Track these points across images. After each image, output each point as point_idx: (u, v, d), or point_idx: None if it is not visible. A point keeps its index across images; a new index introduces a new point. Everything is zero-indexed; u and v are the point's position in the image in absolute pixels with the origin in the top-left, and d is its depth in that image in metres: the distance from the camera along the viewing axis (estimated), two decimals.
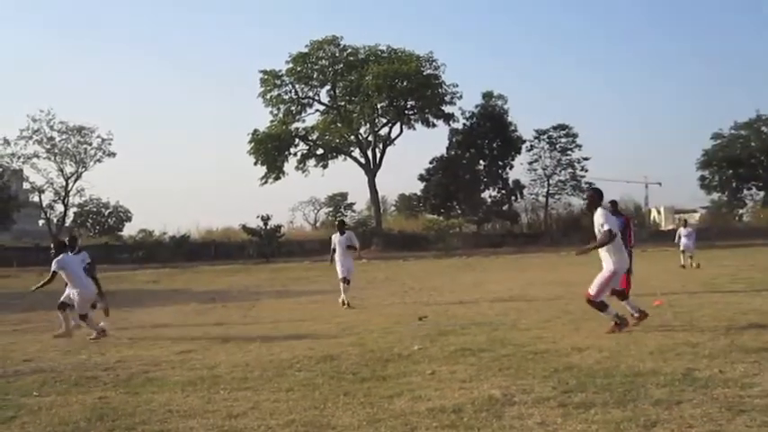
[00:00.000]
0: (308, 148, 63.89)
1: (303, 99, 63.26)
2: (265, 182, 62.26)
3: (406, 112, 62.60)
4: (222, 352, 8.91)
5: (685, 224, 28.02)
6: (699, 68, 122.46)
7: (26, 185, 61.74)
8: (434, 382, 6.39)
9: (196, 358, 8.46)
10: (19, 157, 54.99)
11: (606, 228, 9.08)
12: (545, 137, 65.24)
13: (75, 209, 65.49)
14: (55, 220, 59.75)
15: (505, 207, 64.75)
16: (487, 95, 64.13)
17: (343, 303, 14.71)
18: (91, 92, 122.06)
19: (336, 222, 17.11)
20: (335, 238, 15.70)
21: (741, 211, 73.13)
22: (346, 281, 15.14)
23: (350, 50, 62.20)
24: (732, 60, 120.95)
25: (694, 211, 75.95)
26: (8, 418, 5.60)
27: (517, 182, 64.65)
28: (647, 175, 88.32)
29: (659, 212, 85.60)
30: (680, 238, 26.37)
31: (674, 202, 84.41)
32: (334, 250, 15.64)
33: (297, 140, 63.20)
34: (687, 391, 5.52)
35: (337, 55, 61.88)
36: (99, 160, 56.58)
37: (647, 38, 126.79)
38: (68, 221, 64.66)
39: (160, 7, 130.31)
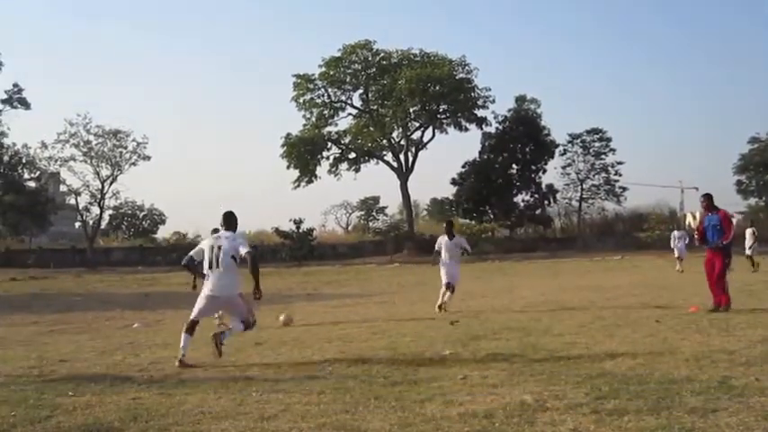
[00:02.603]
0: (340, 151, 64.08)
1: (336, 103, 63.46)
2: (298, 185, 62.52)
3: (439, 116, 62.50)
4: (254, 354, 8.95)
5: (678, 227, 27.93)
6: (736, 71, 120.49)
7: (63, 188, 62.76)
8: (466, 386, 6.37)
9: (228, 360, 8.51)
10: (56, 160, 55.92)
11: None
12: (578, 141, 64.81)
13: (110, 211, 66.37)
14: (91, 222, 60.56)
15: (538, 211, 64.27)
16: (520, 99, 63.82)
17: (440, 308, 13.81)
18: (133, 96, 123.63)
19: (445, 223, 15.67)
20: (442, 240, 14.59)
21: None
22: (450, 286, 14.17)
23: (382, 54, 62.26)
24: None
25: (732, 217, 74.76)
26: (44, 418, 5.67)
27: (550, 186, 64.20)
28: (683, 179, 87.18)
29: (695, 217, 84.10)
30: (675, 240, 26.28)
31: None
32: (438, 253, 14.57)
33: (329, 144, 63.41)
34: (723, 400, 5.44)
35: (370, 59, 61.97)
36: (134, 163, 57.33)
37: (683, 43, 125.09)
38: (104, 224, 65.55)
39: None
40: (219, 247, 8.57)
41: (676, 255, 26.36)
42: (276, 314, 15.14)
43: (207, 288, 8.63)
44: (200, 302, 8.66)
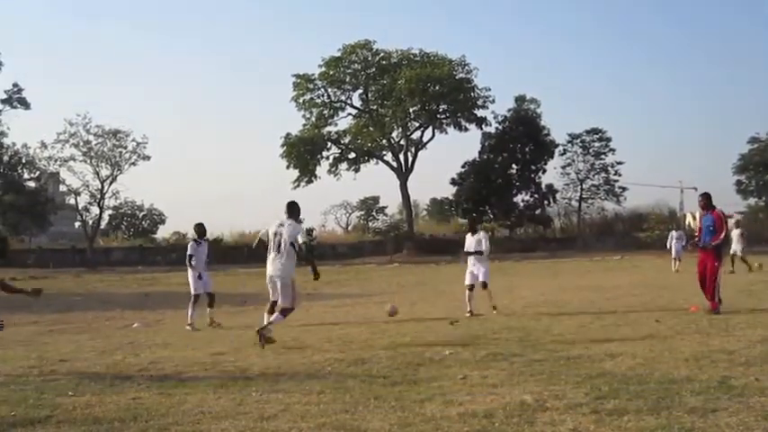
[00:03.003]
0: (340, 151, 64.10)
1: (335, 103, 63.47)
2: (297, 185, 62.53)
3: (439, 116, 62.51)
4: (254, 354, 8.95)
5: (678, 227, 27.95)
6: (736, 71, 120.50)
7: (62, 188, 62.74)
8: (466, 386, 6.37)
9: (228, 360, 8.51)
10: (56, 160, 55.89)
11: None
12: (578, 141, 64.80)
13: (110, 211, 66.38)
14: (90, 222, 60.56)
15: (538, 211, 64.24)
16: (520, 99, 63.80)
17: (471, 313, 13.14)
18: (133, 96, 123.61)
19: (467, 219, 15.06)
20: (468, 237, 13.92)
21: None
22: (472, 288, 13.54)
23: (382, 54, 62.26)
24: None
25: (730, 217, 74.76)
26: (44, 418, 5.67)
27: (550, 186, 64.17)
28: (682, 179, 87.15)
29: (694, 218, 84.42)
30: (673, 240, 26.32)
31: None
32: (468, 252, 13.87)
33: (329, 144, 63.42)
34: (722, 400, 5.44)
35: (370, 59, 61.97)
36: (134, 163, 57.32)
37: (683, 43, 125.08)
38: (104, 224, 65.56)
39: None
40: (281, 234, 9.63)
41: (673, 255, 26.42)
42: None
43: (267, 270, 9.79)
44: (268, 285, 9.97)
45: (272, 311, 9.93)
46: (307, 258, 9.71)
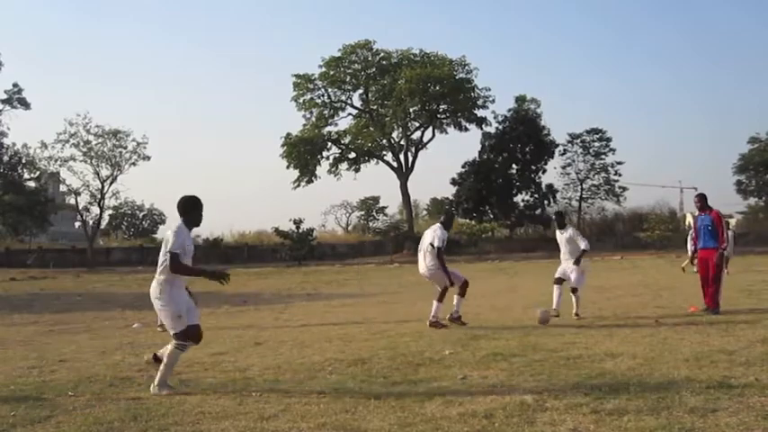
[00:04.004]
0: (340, 151, 64.10)
1: (336, 103, 63.49)
2: (298, 185, 62.51)
3: (439, 116, 62.52)
4: (254, 354, 8.96)
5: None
6: (736, 71, 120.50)
7: (63, 188, 62.65)
8: (466, 386, 6.37)
9: (228, 360, 8.52)
10: (56, 160, 55.82)
11: None
12: (578, 141, 64.77)
13: (110, 211, 66.38)
14: (90, 222, 60.53)
15: (538, 211, 64.14)
16: (520, 99, 63.73)
17: (577, 315, 11.78)
18: (132, 96, 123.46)
19: (554, 215, 13.50)
20: (557, 234, 12.79)
21: None
22: (560, 281, 12.39)
23: (382, 54, 62.30)
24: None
25: (730, 217, 74.73)
26: (44, 418, 5.67)
27: (550, 186, 64.11)
28: (682, 179, 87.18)
29: (694, 217, 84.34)
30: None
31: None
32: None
33: (329, 144, 63.42)
34: (722, 400, 5.44)
35: (370, 59, 62.00)
36: (134, 163, 57.26)
37: (683, 43, 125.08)
38: (104, 224, 65.51)
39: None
40: (425, 237, 11.42)
41: (690, 253, 25.84)
42: (276, 314, 15.16)
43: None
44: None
45: (441, 299, 11.12)
46: (438, 258, 11.09)
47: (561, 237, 12.49)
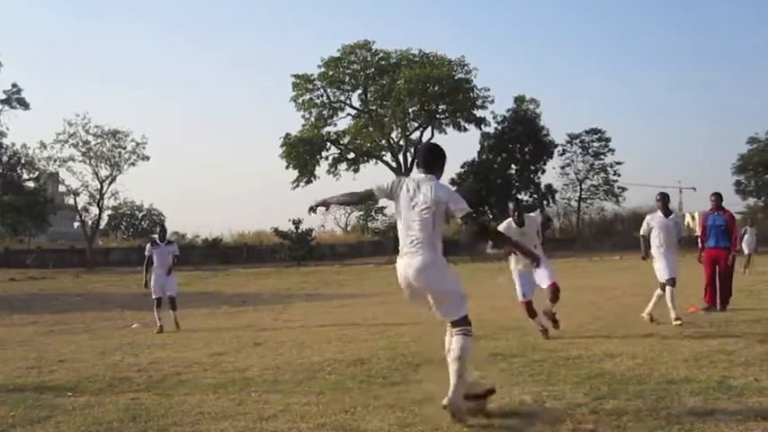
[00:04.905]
0: (339, 152, 64.06)
1: (335, 103, 63.43)
2: (297, 186, 62.43)
3: (438, 116, 62.49)
4: (254, 355, 8.96)
5: (751, 223, 27.25)
6: (736, 71, 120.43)
7: (62, 188, 62.64)
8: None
9: (228, 361, 8.52)
10: (55, 161, 55.82)
11: None
12: (577, 141, 64.79)
13: (109, 211, 66.34)
14: (90, 222, 60.50)
15: (537, 212, 64.30)
16: (519, 99, 63.76)
17: (677, 319, 10.01)
18: (132, 96, 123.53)
19: (659, 196, 10.96)
20: (654, 218, 10.75)
21: None
22: (672, 282, 10.30)
23: (381, 55, 62.22)
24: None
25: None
26: (43, 418, 5.67)
27: (549, 186, 64.17)
28: (682, 179, 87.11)
29: (693, 218, 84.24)
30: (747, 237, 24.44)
31: (708, 208, 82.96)
32: (647, 239, 10.84)
33: (328, 144, 63.38)
34: (722, 400, 5.44)
35: (369, 59, 61.94)
36: (133, 164, 57.26)
37: (683, 43, 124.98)
38: (103, 224, 65.46)
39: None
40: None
41: (746, 252, 24.01)
42: (275, 315, 15.16)
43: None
44: None
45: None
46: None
47: (665, 222, 10.57)
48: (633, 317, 11.44)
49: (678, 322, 9.89)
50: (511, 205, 9.83)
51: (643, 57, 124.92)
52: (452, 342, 5.51)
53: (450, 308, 5.51)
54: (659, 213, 10.61)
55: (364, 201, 6.12)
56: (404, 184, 5.50)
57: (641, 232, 10.88)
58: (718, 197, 12.46)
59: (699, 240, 12.49)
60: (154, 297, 13.43)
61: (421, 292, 5.49)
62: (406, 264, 5.40)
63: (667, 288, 10.17)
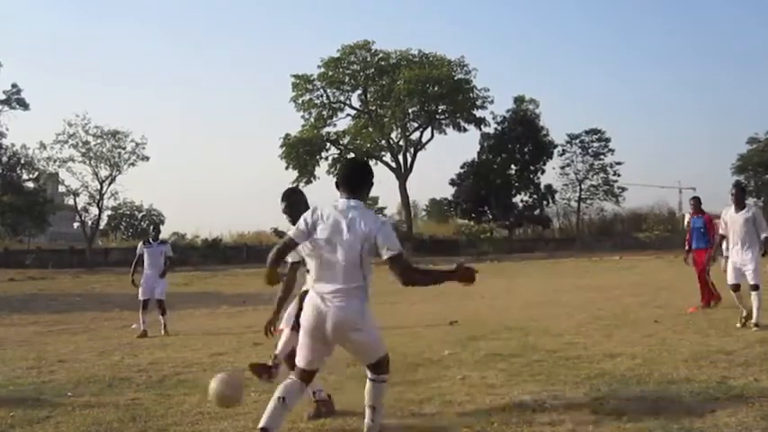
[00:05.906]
0: (339, 152, 63.98)
1: (334, 103, 63.43)
2: (296, 186, 62.30)
3: (438, 116, 62.50)
4: (253, 355, 8.94)
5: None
6: (736, 71, 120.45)
7: (61, 188, 62.56)
8: (465, 387, 6.37)
9: (227, 361, 8.52)
10: (55, 161, 55.77)
11: None
12: (577, 141, 64.79)
13: (109, 212, 66.26)
14: (89, 222, 60.46)
15: (537, 212, 64.24)
16: (519, 100, 63.80)
17: (746, 321, 9.52)
18: (132, 96, 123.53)
19: (733, 188, 10.04)
20: (727, 214, 9.91)
21: None
22: (737, 288, 9.70)
23: (381, 55, 62.23)
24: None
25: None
26: (42, 418, 5.67)
27: (549, 186, 64.17)
28: (681, 180, 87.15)
29: (689, 218, 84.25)
30: None
31: (708, 208, 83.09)
32: (724, 237, 9.98)
33: (328, 145, 63.38)
34: (721, 400, 5.44)
35: (369, 59, 61.94)
36: (133, 164, 57.21)
37: (683, 43, 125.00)
38: (102, 224, 65.42)
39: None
40: None
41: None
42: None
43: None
44: None
45: None
46: None
47: (738, 217, 9.67)
48: (633, 317, 11.46)
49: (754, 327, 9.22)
50: None
51: (643, 57, 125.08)
52: (366, 387, 4.97)
53: (370, 354, 4.85)
54: (731, 210, 9.81)
55: (288, 251, 4.81)
56: (321, 214, 4.59)
57: (719, 231, 10.05)
58: (696, 201, 13.14)
59: (685, 243, 12.78)
60: (140, 298, 12.95)
61: (335, 342, 4.71)
62: (326, 314, 4.50)
63: (753, 294, 9.41)
